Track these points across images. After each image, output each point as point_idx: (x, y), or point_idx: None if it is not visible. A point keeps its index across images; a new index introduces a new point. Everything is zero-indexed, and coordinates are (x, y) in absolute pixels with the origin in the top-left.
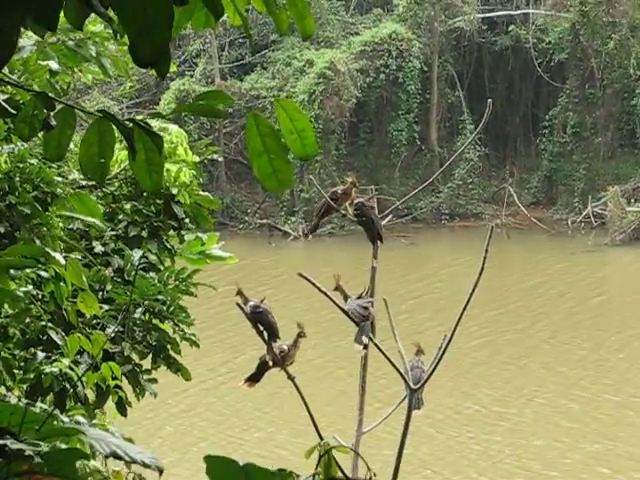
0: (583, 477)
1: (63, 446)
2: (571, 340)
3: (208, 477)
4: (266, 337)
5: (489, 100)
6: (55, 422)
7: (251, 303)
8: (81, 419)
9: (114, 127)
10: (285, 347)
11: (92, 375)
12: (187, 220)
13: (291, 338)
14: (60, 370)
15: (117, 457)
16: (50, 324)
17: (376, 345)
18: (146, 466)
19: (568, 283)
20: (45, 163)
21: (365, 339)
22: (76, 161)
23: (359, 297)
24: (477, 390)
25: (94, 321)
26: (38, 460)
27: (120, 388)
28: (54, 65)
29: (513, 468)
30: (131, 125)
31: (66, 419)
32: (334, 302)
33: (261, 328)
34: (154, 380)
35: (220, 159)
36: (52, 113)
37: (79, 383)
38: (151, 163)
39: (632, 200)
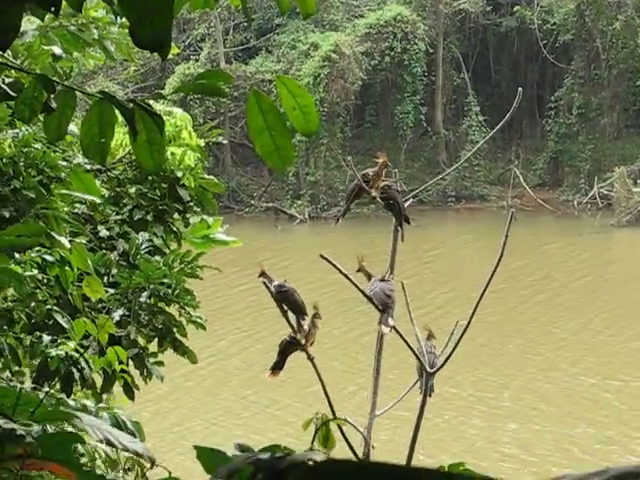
0: (557, 460)
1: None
2: (555, 321)
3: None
4: (291, 316)
5: (519, 89)
6: (61, 406)
7: (275, 283)
8: (87, 402)
9: (115, 108)
10: (306, 327)
11: (98, 359)
12: (192, 203)
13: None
14: (66, 353)
15: (109, 444)
16: (56, 308)
17: (397, 332)
18: (138, 455)
19: (571, 265)
20: (49, 147)
21: (392, 321)
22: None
23: (382, 279)
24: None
25: (100, 305)
26: (30, 440)
27: (126, 372)
28: (57, 50)
29: (488, 452)
30: (132, 106)
31: (72, 402)
32: (356, 286)
33: (285, 308)
34: (160, 363)
35: (225, 142)
36: (52, 96)
37: (85, 367)
38: (152, 143)
39: (638, 181)
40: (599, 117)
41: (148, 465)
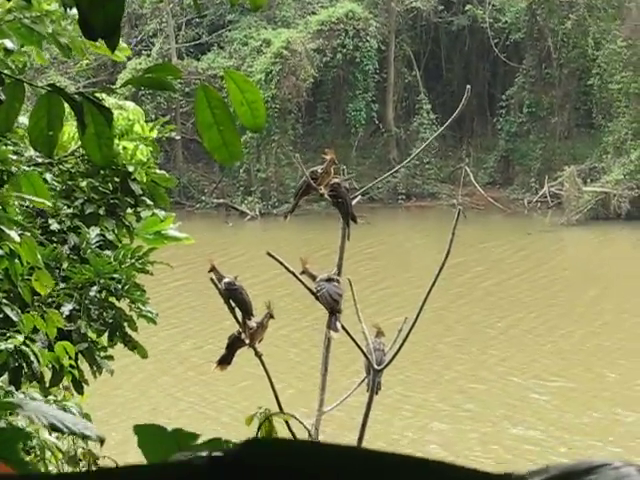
0: (483, 460)
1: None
2: (485, 320)
3: (140, 448)
4: (239, 314)
5: (468, 86)
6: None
7: (226, 280)
8: (36, 395)
9: (63, 101)
10: (254, 324)
11: (47, 354)
12: (144, 197)
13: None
14: (15, 347)
15: (55, 429)
16: (5, 301)
17: (345, 330)
18: (85, 437)
19: (510, 263)
20: (0, 141)
21: (339, 325)
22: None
23: (328, 279)
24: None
25: (50, 299)
26: None
27: (75, 367)
28: (9, 44)
29: (412, 451)
30: (80, 99)
31: (21, 395)
32: (303, 284)
33: (233, 305)
34: (110, 357)
35: (177, 137)
36: (1, 88)
37: (34, 360)
38: (101, 136)
39: (588, 180)
40: (550, 116)
41: (99, 451)
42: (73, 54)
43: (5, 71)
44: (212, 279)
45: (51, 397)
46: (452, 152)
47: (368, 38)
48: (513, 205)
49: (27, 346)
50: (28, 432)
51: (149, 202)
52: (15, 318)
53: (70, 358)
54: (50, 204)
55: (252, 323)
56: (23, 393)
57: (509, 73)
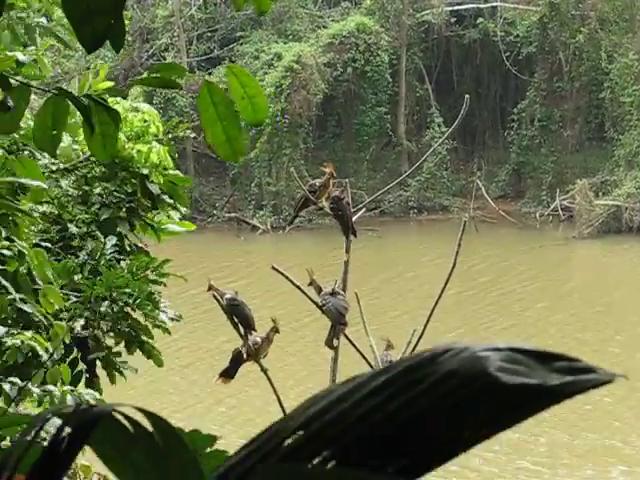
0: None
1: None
2: (495, 328)
3: None
4: (242, 330)
5: (466, 96)
6: (26, 394)
7: (227, 295)
8: (52, 387)
9: (69, 103)
10: (259, 340)
11: (50, 371)
12: (165, 196)
13: (263, 331)
14: (22, 342)
15: None
16: (20, 296)
17: (350, 341)
18: None
19: (530, 277)
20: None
21: (336, 342)
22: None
23: (333, 292)
24: None
25: (62, 313)
26: None
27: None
28: (21, 56)
29: None
30: (87, 101)
31: (36, 389)
32: (309, 298)
33: (236, 320)
34: (124, 362)
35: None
36: (8, 94)
37: (44, 354)
38: (105, 135)
39: (600, 193)
40: (561, 129)
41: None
42: (84, 67)
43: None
44: (214, 295)
45: (67, 388)
46: (464, 165)
47: (379, 52)
48: (525, 218)
49: (36, 341)
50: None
51: (169, 200)
52: (40, 317)
53: (63, 383)
54: (45, 186)
55: (257, 338)
56: (38, 387)
57: (520, 86)
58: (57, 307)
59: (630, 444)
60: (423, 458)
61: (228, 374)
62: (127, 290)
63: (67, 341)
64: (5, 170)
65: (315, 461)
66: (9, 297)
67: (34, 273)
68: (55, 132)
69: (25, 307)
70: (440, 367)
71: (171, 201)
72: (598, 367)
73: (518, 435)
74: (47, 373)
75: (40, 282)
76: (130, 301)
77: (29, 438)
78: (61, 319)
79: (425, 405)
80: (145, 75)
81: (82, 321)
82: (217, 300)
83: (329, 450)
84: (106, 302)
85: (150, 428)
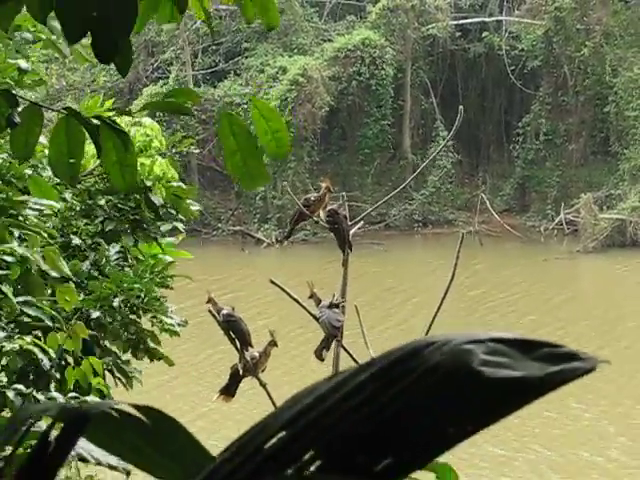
0: None
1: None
2: None
3: None
4: (238, 345)
5: (460, 107)
6: (30, 402)
7: (224, 311)
8: (57, 395)
9: (84, 128)
10: (256, 354)
11: (73, 371)
12: (169, 207)
13: (262, 344)
14: (20, 347)
15: (82, 459)
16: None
17: (349, 354)
18: (112, 468)
19: (534, 291)
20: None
21: (325, 353)
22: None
23: (330, 305)
24: None
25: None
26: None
27: (103, 384)
28: (23, 64)
29: None
30: (96, 122)
31: (41, 397)
32: (306, 309)
33: (233, 336)
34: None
35: (196, 151)
36: (17, 111)
37: (43, 358)
38: (123, 164)
39: (604, 207)
40: (566, 143)
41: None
42: (89, 81)
43: (21, 92)
44: (210, 311)
45: (72, 394)
46: (468, 179)
47: (384, 65)
48: (529, 232)
49: (36, 345)
50: None
51: (172, 212)
52: (46, 320)
53: (97, 375)
54: (58, 206)
55: (255, 353)
56: (43, 394)
57: (525, 100)
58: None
59: (612, 459)
60: (408, 456)
61: (228, 392)
62: (136, 286)
63: (86, 336)
64: (11, 176)
65: (300, 462)
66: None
67: (47, 272)
68: (73, 161)
69: (30, 311)
70: (422, 361)
71: (174, 212)
72: (581, 352)
73: (502, 452)
74: (75, 370)
75: (55, 275)
76: (139, 301)
77: (19, 433)
78: (68, 319)
79: (408, 402)
80: (157, 90)
81: (97, 313)
82: (213, 316)
83: (313, 450)
84: (116, 298)
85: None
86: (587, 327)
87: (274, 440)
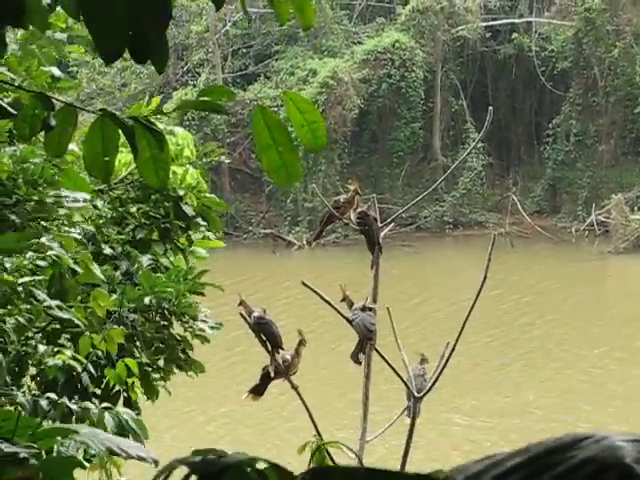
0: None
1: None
2: (530, 343)
3: None
4: (269, 348)
5: (490, 108)
6: (62, 411)
7: (255, 314)
8: (89, 405)
9: (118, 128)
10: (288, 357)
11: (110, 371)
12: (199, 219)
13: (292, 346)
14: (63, 362)
15: (112, 453)
16: (58, 303)
17: (381, 356)
18: (141, 459)
19: (565, 291)
20: (49, 164)
21: (362, 357)
22: (82, 164)
23: (363, 307)
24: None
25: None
26: (33, 462)
27: (137, 385)
28: (56, 71)
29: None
30: (132, 123)
31: (74, 406)
32: (339, 312)
33: (264, 338)
34: (166, 378)
35: (227, 161)
36: (52, 113)
37: (84, 375)
38: (156, 160)
39: (635, 208)
40: (596, 144)
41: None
42: (119, 84)
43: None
44: (241, 314)
45: (105, 404)
46: (499, 181)
47: (414, 68)
48: (560, 233)
49: (77, 360)
50: (80, 461)
51: (202, 222)
52: (66, 316)
53: (133, 375)
54: (89, 197)
55: (287, 355)
56: (75, 404)
57: (556, 101)
58: (107, 309)
59: None
60: None
61: (257, 391)
62: (168, 289)
63: (121, 341)
64: (43, 181)
65: None
66: (44, 304)
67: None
68: (107, 159)
69: (60, 314)
70: (579, 453)
71: (204, 223)
72: None
73: None
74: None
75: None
76: (169, 305)
77: None
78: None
79: None
80: (187, 93)
81: (134, 315)
82: (244, 318)
83: None
84: (148, 297)
85: None
86: (617, 327)
87: None
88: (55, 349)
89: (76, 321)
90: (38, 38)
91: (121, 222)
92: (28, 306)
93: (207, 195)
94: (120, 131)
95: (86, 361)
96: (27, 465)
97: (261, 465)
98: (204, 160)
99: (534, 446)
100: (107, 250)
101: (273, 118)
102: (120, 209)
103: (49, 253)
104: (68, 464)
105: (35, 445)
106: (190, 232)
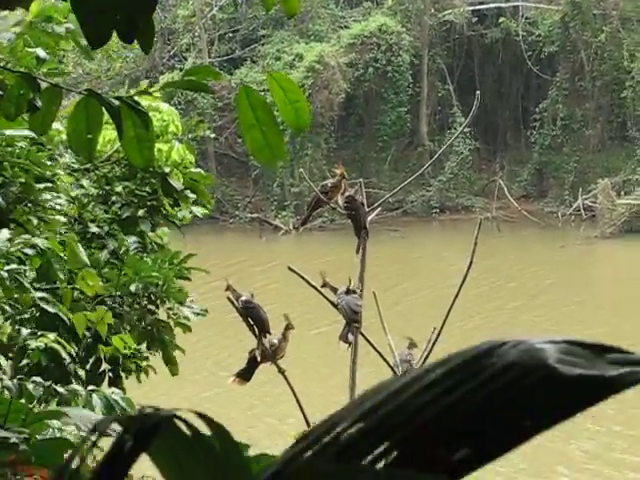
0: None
1: (53, 434)
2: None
3: None
4: (257, 332)
5: (477, 93)
6: (50, 394)
7: (243, 298)
8: (78, 387)
9: (102, 107)
10: (275, 341)
11: (105, 348)
12: (188, 191)
13: (279, 331)
14: (46, 345)
15: (104, 434)
16: (46, 295)
17: (368, 340)
18: None
19: (551, 275)
20: (35, 146)
21: (351, 337)
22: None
23: (347, 291)
24: None
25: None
26: (24, 447)
27: (137, 356)
28: (41, 52)
29: None
30: (117, 103)
31: (62, 389)
32: (324, 296)
33: (251, 322)
34: (150, 367)
35: (212, 136)
36: (38, 94)
37: (67, 358)
38: (141, 139)
39: (622, 193)
40: (583, 129)
41: None
42: (105, 68)
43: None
44: (229, 298)
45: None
46: (486, 165)
47: (401, 52)
48: (547, 218)
49: (60, 344)
50: (71, 442)
51: (191, 195)
52: (64, 317)
53: (129, 348)
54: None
55: (274, 340)
56: (63, 386)
57: (542, 86)
58: (96, 291)
59: None
60: (484, 448)
61: (244, 376)
62: (154, 274)
63: (111, 322)
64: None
65: (375, 453)
66: (31, 296)
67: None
68: (90, 137)
69: (48, 307)
70: (498, 359)
71: (194, 196)
72: None
73: None
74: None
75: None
76: (156, 290)
77: (89, 443)
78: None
79: (485, 396)
80: (174, 77)
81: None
82: (232, 302)
83: (389, 442)
84: (134, 284)
85: (208, 434)
86: (604, 312)
87: (348, 433)
88: (39, 332)
89: (63, 317)
90: (37, 29)
91: (107, 201)
92: (16, 295)
93: (193, 170)
94: (104, 110)
95: (69, 346)
96: (18, 449)
97: (189, 416)
98: (190, 135)
99: (449, 358)
100: (94, 229)
101: (257, 98)
102: (106, 187)
103: (37, 242)
104: (58, 446)
105: (26, 430)
106: (180, 207)
